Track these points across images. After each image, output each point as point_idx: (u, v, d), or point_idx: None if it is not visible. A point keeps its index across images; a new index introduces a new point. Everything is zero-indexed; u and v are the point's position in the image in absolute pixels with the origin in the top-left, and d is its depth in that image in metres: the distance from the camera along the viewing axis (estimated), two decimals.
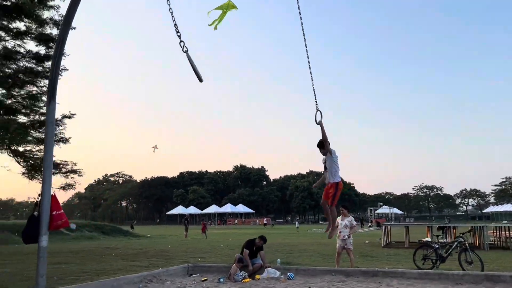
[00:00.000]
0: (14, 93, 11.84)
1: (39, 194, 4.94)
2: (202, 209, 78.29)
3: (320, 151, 6.21)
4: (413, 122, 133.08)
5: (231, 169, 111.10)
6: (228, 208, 73.45)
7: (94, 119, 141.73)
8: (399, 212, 75.87)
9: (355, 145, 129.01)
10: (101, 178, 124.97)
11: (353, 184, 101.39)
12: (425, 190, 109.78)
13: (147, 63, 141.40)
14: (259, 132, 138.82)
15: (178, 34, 4.49)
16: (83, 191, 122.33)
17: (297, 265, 9.83)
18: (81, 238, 21.52)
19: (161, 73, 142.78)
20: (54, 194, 5.09)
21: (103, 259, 12.24)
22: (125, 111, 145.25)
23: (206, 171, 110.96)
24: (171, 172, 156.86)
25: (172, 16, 4.56)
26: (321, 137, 6.05)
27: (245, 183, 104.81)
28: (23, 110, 12.51)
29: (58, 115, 14.02)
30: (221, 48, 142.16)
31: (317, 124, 5.91)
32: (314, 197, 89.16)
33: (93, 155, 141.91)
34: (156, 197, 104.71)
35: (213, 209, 76.47)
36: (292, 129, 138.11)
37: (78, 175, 14.25)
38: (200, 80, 4.55)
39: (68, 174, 13.98)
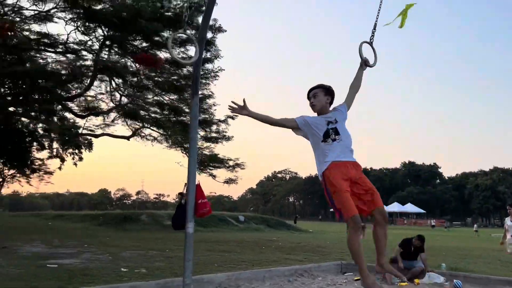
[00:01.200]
0: (181, 96, 13.41)
1: (185, 184, 5.21)
2: None
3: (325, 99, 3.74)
4: None
5: (398, 166, 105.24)
6: (395, 207, 69.60)
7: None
8: None
9: None
10: (270, 175, 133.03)
11: None
12: None
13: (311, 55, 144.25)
14: (427, 125, 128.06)
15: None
16: (254, 186, 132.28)
17: (467, 272, 8.49)
18: (248, 230, 23.05)
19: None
20: (199, 183, 5.32)
21: (262, 250, 12.74)
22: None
23: (371, 168, 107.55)
24: None
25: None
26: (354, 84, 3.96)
27: (414, 181, 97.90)
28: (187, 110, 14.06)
29: (222, 115, 15.33)
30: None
31: (364, 62, 3.96)
32: (499, 197, 77.87)
33: (262, 153, 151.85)
34: (320, 194, 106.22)
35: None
36: (469, 119, 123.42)
37: (241, 168, 15.32)
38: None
39: (231, 168, 15.14)
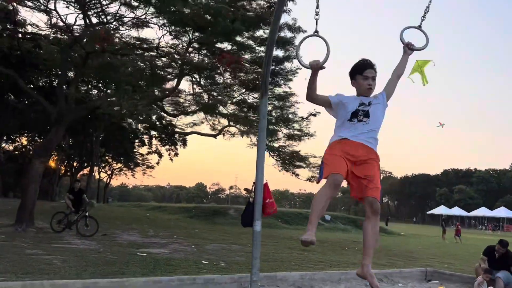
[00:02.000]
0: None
1: (254, 183, 5.31)
2: (468, 211, 70.02)
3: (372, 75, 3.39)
4: None
5: (507, 167, 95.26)
6: (501, 212, 63.12)
7: None
8: None
9: None
10: None
11: None
12: None
13: None
14: None
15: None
16: (346, 185, 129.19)
17: None
18: (333, 229, 22.67)
19: None
20: (266, 182, 5.40)
21: (344, 252, 12.47)
22: None
23: (475, 169, 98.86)
24: (434, 169, 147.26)
25: None
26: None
27: None
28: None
29: (305, 113, 15.31)
30: None
31: (407, 46, 3.67)
32: None
33: None
34: (417, 195, 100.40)
35: (482, 212, 67.23)
36: None
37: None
38: None
39: (312, 166, 15.05)
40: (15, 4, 14.14)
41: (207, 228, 17.33)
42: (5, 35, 15.81)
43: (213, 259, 8.88)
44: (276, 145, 15.15)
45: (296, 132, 15.08)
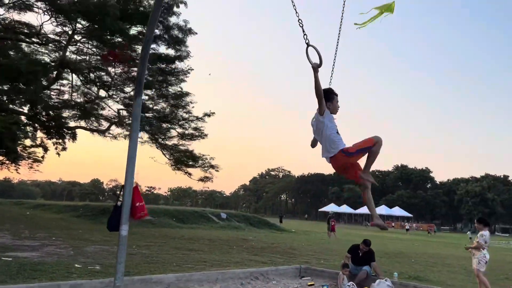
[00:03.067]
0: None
1: (122, 186, 5.17)
2: (355, 209, 76.25)
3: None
4: None
5: (390, 169, 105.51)
6: (382, 210, 69.80)
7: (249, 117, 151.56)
8: None
9: None
10: (263, 172, 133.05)
11: None
12: None
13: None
14: (421, 129, 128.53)
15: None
16: (248, 183, 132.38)
17: (422, 282, 8.53)
18: (228, 228, 23.02)
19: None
20: (136, 186, 5.29)
21: (230, 250, 12.73)
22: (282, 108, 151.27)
23: None
24: (328, 169, 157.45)
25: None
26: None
27: (406, 184, 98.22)
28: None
29: (200, 113, 15.34)
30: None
31: (313, 66, 3.99)
32: (488, 204, 78.19)
33: (256, 151, 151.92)
34: (312, 193, 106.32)
35: (366, 209, 73.72)
36: (465, 124, 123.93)
37: (216, 170, 15.37)
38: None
39: (206, 168, 15.16)
40: None
41: (92, 229, 16.43)
42: None
43: (89, 262, 8.48)
44: (169, 143, 14.96)
45: (190, 131, 15.04)
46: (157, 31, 11.55)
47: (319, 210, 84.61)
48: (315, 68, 3.98)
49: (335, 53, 4.90)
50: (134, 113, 5.52)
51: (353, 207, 78.09)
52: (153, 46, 11.80)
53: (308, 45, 4.08)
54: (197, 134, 14.93)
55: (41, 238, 12.38)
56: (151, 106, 14.30)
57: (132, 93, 14.35)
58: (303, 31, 4.11)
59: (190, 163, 14.99)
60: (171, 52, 12.64)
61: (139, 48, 11.97)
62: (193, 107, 14.79)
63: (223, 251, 12.41)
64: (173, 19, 11.77)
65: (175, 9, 11.49)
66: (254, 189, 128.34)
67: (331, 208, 73.04)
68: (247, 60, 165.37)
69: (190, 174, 15.32)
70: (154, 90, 13.92)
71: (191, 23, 13.39)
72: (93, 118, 13.81)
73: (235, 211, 33.69)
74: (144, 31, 11.39)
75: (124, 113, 14.00)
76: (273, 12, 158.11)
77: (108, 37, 11.17)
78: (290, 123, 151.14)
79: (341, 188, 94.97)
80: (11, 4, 13.14)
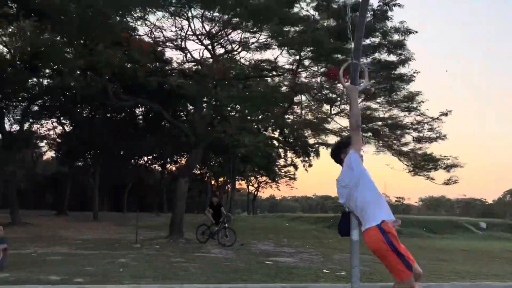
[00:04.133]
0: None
1: None
2: None
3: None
4: None
5: None
6: None
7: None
8: None
9: None
10: None
11: None
12: None
13: None
14: None
15: None
16: None
17: None
18: (489, 238, 20.18)
19: None
20: None
21: (489, 263, 11.21)
22: None
23: None
24: None
25: None
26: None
27: None
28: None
29: (436, 113, 14.35)
30: None
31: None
32: None
33: None
34: None
35: None
36: None
37: (459, 167, 13.93)
38: None
39: (448, 168, 13.89)
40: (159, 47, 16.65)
41: (343, 239, 17.20)
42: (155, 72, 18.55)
43: (336, 268, 8.99)
44: (405, 149, 14.51)
45: (427, 133, 14.24)
46: (376, 40, 11.62)
47: None
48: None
49: None
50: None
51: None
52: (375, 55, 11.94)
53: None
54: (434, 136, 14.02)
55: (297, 246, 13.86)
56: (381, 115, 14.33)
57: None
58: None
59: (430, 166, 14.10)
60: (392, 58, 12.48)
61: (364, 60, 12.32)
62: (427, 109, 14.06)
63: (481, 263, 11.03)
64: (389, 24, 11.63)
65: (389, 13, 11.33)
66: None
67: None
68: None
69: (432, 178, 14.40)
70: (382, 97, 13.90)
71: (413, 21, 12.92)
72: (323, 134, 14.74)
73: (499, 220, 29.22)
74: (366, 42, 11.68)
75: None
76: None
77: (328, 57, 11.96)
78: None
79: None
80: (254, 48, 15.61)
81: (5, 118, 22.10)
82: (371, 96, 13.50)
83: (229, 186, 32.61)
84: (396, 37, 11.90)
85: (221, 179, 38.92)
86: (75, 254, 9.90)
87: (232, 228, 13.38)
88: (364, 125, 13.94)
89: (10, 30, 11.95)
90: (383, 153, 14.75)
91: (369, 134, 14.28)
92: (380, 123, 14.27)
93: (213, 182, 41.92)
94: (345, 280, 7.57)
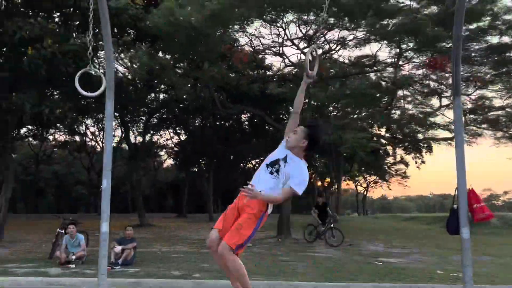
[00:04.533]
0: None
1: (456, 189, 5.20)
2: None
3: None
4: None
5: None
6: None
7: None
8: None
9: None
10: None
11: None
12: None
13: None
14: None
15: None
16: None
17: None
18: None
19: None
20: (472, 189, 5.22)
21: None
22: None
23: None
24: None
25: None
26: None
27: None
28: None
29: None
30: None
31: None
32: None
33: None
34: None
35: None
36: None
37: None
38: None
39: None
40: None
41: (458, 239, 15.98)
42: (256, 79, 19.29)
43: (452, 269, 8.49)
44: None
45: None
46: (484, 24, 10.57)
47: None
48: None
49: None
50: (455, 114, 5.46)
51: None
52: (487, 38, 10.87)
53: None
54: None
55: (409, 247, 13.24)
56: (498, 104, 12.99)
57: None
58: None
59: None
60: (505, 39, 11.18)
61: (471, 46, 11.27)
62: None
63: None
64: (499, 3, 10.47)
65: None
66: None
67: None
68: None
69: None
70: (499, 84, 12.57)
71: None
72: (431, 129, 13.84)
73: None
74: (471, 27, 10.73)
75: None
76: None
77: (431, 46, 11.22)
78: None
79: None
80: (353, 44, 15.37)
81: (130, 131, 24.94)
82: (484, 84, 12.31)
83: (335, 186, 32.26)
84: (507, 17, 10.73)
85: (327, 179, 38.67)
86: (193, 252, 10.80)
87: (338, 228, 13.31)
88: (477, 117, 12.82)
89: (129, 54, 13.56)
90: (504, 146, 13.35)
91: (484, 125, 13.05)
92: (499, 112, 12.97)
93: (318, 183, 41.77)
94: (460, 281, 7.12)
